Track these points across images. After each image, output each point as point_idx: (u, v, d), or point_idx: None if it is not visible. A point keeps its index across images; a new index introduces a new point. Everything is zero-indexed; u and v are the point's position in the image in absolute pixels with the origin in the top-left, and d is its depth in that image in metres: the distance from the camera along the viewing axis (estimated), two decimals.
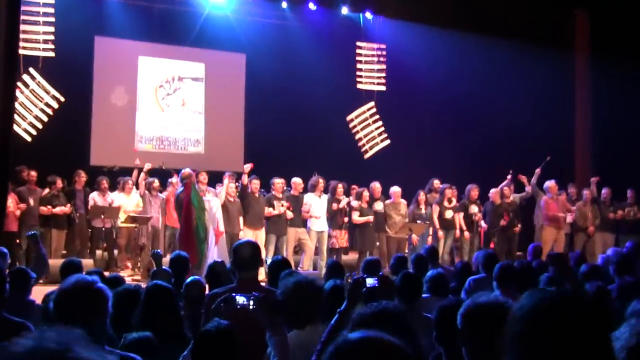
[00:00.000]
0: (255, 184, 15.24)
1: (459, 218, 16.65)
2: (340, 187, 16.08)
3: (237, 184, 15.28)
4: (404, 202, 16.65)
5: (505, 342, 2.33)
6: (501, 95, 20.26)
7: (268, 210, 15.12)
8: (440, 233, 16.44)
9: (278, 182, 15.56)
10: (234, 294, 5.17)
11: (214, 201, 14.59)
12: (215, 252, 13.81)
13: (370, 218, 16.05)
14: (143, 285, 6.58)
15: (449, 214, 16.57)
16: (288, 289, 5.06)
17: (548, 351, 2.21)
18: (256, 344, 4.67)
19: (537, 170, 17.14)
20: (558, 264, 9.84)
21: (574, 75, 21.58)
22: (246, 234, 14.47)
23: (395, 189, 16.65)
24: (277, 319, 4.82)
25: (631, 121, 18.70)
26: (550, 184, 16.93)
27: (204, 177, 15.10)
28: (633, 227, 17.28)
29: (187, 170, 14.69)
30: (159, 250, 11.55)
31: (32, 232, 9.96)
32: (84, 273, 7.07)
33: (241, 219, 15.09)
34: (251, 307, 4.88)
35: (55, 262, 13.68)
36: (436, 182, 17.13)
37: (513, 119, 19.88)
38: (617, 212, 17.47)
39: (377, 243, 16.33)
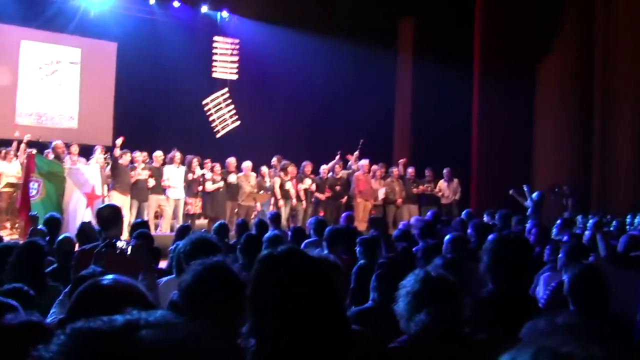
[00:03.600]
0: (132, 156, 15.23)
1: (296, 189, 16.91)
2: (195, 161, 16.10)
3: (107, 155, 15.10)
4: (253, 174, 16.77)
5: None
6: (337, 87, 20.64)
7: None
8: (281, 202, 16.64)
9: (140, 155, 15.46)
10: (114, 240, 5.20)
11: (86, 168, 14.39)
12: (89, 213, 13.60)
13: (221, 184, 16.16)
14: (20, 242, 6.48)
15: (288, 185, 16.79)
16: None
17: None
18: None
19: (356, 153, 17.76)
20: (378, 227, 10.14)
21: (396, 73, 22.13)
22: (116, 199, 14.24)
23: (247, 164, 16.75)
24: (149, 263, 4.85)
25: (442, 113, 19.34)
26: (363, 162, 17.49)
27: (75, 149, 14.93)
28: (431, 200, 17.97)
29: (58, 142, 14.53)
30: (35, 212, 11.29)
31: None
32: None
33: (106, 186, 14.85)
34: (129, 251, 4.91)
35: None
36: (276, 159, 17.31)
37: (345, 107, 20.34)
38: (419, 187, 18.09)
39: (228, 211, 16.42)
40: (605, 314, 4.10)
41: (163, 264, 8.14)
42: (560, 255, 6.26)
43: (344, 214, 12.69)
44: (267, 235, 8.20)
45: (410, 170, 18.38)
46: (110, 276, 2.60)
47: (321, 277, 2.44)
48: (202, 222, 15.90)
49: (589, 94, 18.96)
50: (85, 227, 8.33)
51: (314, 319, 2.31)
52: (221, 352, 1.08)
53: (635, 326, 5.52)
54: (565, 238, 8.17)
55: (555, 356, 1.27)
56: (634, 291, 6.36)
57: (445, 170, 18.24)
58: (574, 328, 2.10)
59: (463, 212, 13.23)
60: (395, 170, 18.13)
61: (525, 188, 15.62)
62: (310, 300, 2.33)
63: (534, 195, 15.16)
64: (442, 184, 18.25)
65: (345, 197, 17.39)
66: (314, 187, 17.09)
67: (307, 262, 2.46)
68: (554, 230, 9.60)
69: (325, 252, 6.50)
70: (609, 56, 18.63)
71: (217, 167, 16.36)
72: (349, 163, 17.91)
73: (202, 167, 16.26)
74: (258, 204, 16.40)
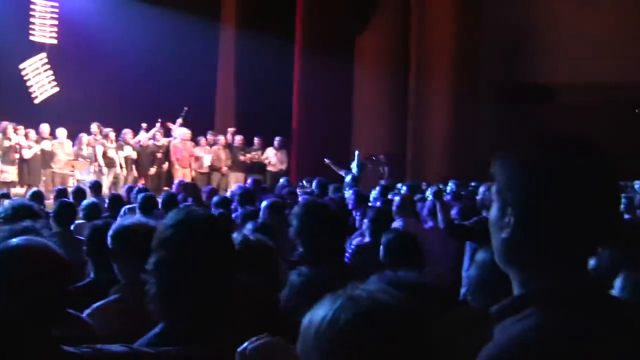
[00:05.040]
0: None
1: (118, 157, 16.69)
2: (10, 127, 15.56)
3: None
4: (69, 142, 16.39)
5: (154, 246, 2.53)
6: (159, 55, 20.29)
7: None
8: (105, 170, 16.40)
9: None
10: None
11: None
12: None
13: (38, 149, 15.73)
14: None
15: (111, 153, 16.54)
16: None
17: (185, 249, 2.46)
18: None
19: (179, 120, 17.70)
20: (192, 193, 10.19)
21: (219, 42, 22.02)
22: None
23: (62, 131, 16.36)
24: None
25: (265, 84, 19.47)
26: (181, 131, 17.57)
27: None
28: (258, 168, 18.17)
29: None
30: None
31: None
32: None
33: None
34: None
35: None
36: (96, 126, 16.94)
37: (168, 76, 20.04)
38: (246, 155, 18.19)
39: (44, 178, 15.96)
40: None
41: None
42: (365, 220, 6.53)
43: (176, 182, 12.65)
44: (84, 203, 8.10)
45: (238, 138, 18.51)
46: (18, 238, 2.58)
47: (224, 237, 2.64)
48: (18, 190, 15.35)
49: (405, 67, 19.65)
50: None
51: (210, 269, 2.48)
52: None
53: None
54: (379, 204, 8.48)
55: (347, 298, 1.49)
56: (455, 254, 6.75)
57: (276, 139, 18.45)
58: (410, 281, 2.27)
59: (281, 180, 13.45)
60: (222, 138, 18.20)
61: (356, 152, 16.09)
62: (211, 253, 2.50)
63: (358, 162, 15.64)
64: (270, 151, 18.43)
65: (167, 165, 17.33)
66: (134, 154, 16.92)
67: (217, 222, 2.67)
68: (374, 197, 9.88)
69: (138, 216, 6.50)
70: (424, 29, 19.35)
71: (32, 133, 15.88)
72: (171, 131, 17.80)
73: (16, 134, 15.75)
74: (76, 172, 16.04)
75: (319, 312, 1.50)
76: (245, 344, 2.00)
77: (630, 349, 1.46)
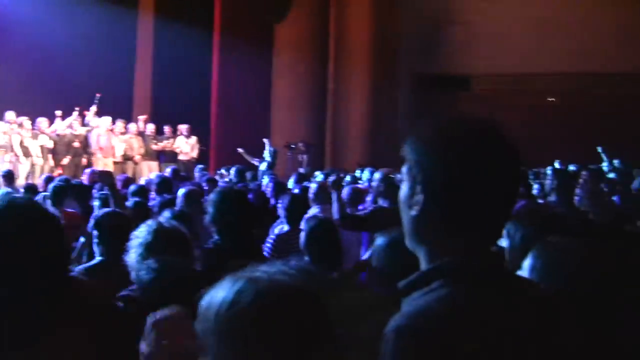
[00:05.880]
0: None
1: (34, 146, 16.41)
2: None
3: None
4: None
5: None
6: (76, 43, 19.83)
7: None
8: (23, 159, 16.15)
9: None
10: None
11: None
12: None
13: None
14: None
15: (27, 142, 16.26)
16: None
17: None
18: None
19: (93, 108, 17.48)
20: (106, 181, 10.07)
21: (137, 30, 21.70)
22: None
23: None
24: None
25: (183, 72, 19.31)
26: (104, 119, 17.34)
27: None
28: (170, 156, 18.00)
29: None
30: None
31: None
32: None
33: None
34: None
35: None
36: (13, 114, 16.55)
37: (85, 64, 19.63)
38: (158, 144, 18.02)
39: None
40: (337, 264, 4.36)
41: None
42: (281, 207, 6.56)
43: (89, 171, 12.41)
44: None
45: (151, 126, 18.28)
46: None
47: (49, 227, 2.33)
48: None
49: (324, 56, 19.74)
50: None
51: (33, 266, 2.19)
52: None
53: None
54: (297, 191, 8.49)
55: (247, 280, 1.52)
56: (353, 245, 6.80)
57: (183, 127, 18.25)
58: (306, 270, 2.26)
59: (197, 168, 13.40)
60: (134, 127, 17.95)
61: (266, 141, 16.11)
62: (32, 247, 2.20)
63: (270, 150, 15.69)
64: (181, 140, 18.25)
65: (85, 154, 17.03)
66: (50, 144, 16.60)
67: (40, 212, 2.37)
68: (291, 185, 9.90)
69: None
70: (343, 19, 19.48)
71: None
72: (86, 119, 17.48)
73: None
74: None
75: (219, 294, 1.52)
76: (158, 314, 1.96)
77: (526, 323, 1.53)
